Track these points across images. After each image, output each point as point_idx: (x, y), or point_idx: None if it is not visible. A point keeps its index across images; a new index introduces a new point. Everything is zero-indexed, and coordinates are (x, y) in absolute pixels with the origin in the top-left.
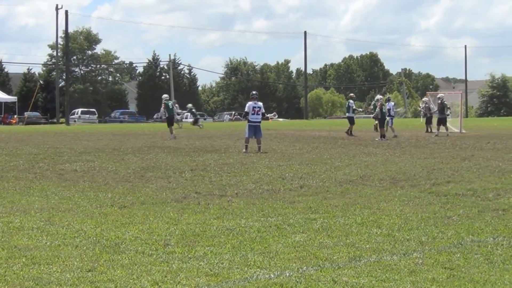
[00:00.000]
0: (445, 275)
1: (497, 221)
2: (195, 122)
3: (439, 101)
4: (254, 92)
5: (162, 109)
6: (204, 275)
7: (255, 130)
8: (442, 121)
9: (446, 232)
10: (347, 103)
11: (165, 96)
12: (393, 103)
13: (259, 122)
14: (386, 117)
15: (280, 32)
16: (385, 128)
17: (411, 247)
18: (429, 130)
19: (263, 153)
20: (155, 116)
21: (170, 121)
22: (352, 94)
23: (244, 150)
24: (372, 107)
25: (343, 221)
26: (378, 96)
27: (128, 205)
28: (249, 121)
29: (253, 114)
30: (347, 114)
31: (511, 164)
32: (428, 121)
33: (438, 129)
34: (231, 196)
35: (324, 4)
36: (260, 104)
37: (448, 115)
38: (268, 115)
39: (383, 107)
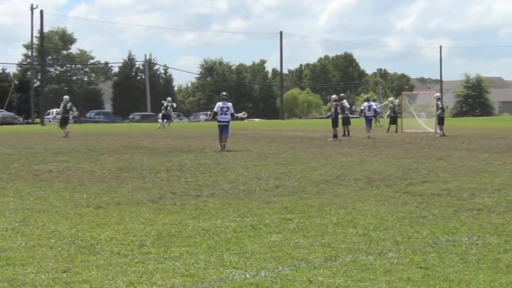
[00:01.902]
0: (420, 275)
1: (472, 221)
2: (167, 118)
3: (437, 101)
4: (224, 93)
5: (61, 108)
6: (180, 276)
7: (222, 129)
8: (441, 120)
9: (421, 232)
10: (340, 103)
11: (65, 97)
12: (373, 103)
13: (227, 122)
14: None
15: (257, 32)
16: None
17: (386, 246)
18: (396, 130)
19: (233, 151)
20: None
21: (64, 121)
22: (343, 94)
23: (219, 148)
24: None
25: (318, 221)
26: (334, 96)
27: (103, 206)
28: (218, 121)
29: (221, 114)
30: (340, 115)
31: (486, 164)
32: (392, 121)
33: (441, 129)
34: (207, 197)
35: (301, 4)
36: (229, 104)
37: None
38: (238, 114)
39: (338, 107)
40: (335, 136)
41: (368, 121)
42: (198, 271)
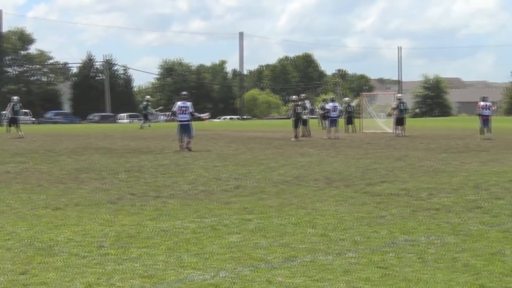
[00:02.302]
0: (379, 274)
1: (430, 220)
2: (147, 118)
3: (398, 101)
4: (183, 93)
5: (9, 109)
6: (139, 277)
7: (183, 129)
8: (400, 121)
9: (379, 232)
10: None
11: (14, 97)
12: (337, 104)
13: (187, 121)
14: (303, 116)
15: (217, 33)
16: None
17: (345, 246)
18: (353, 130)
19: (193, 152)
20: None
21: (12, 121)
22: (303, 95)
23: (179, 148)
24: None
25: (278, 222)
26: (293, 97)
27: (62, 207)
28: (178, 121)
29: (180, 113)
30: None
31: (444, 164)
32: (348, 122)
33: (396, 129)
34: (166, 197)
35: (261, 5)
36: (188, 104)
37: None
38: (202, 115)
39: (296, 107)
40: (295, 136)
41: (332, 121)
42: (157, 272)
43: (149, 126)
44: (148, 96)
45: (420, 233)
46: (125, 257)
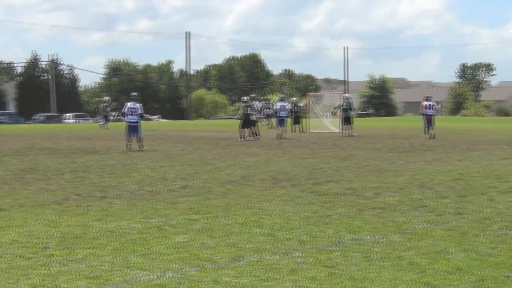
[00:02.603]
0: (325, 273)
1: (376, 219)
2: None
3: (346, 101)
4: (133, 94)
5: None
6: (85, 278)
7: (132, 130)
8: (347, 121)
9: (326, 231)
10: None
11: None
12: (286, 103)
13: (136, 122)
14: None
15: (164, 33)
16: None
17: (292, 246)
18: (300, 130)
19: (144, 152)
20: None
21: None
22: (254, 95)
23: (125, 148)
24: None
25: (225, 221)
26: (244, 98)
27: (6, 208)
28: (127, 122)
29: (129, 114)
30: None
31: (390, 163)
32: (295, 121)
33: (344, 129)
34: (112, 198)
35: (208, 5)
36: (138, 105)
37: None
38: (152, 117)
39: (247, 108)
40: (241, 137)
41: (281, 121)
42: (103, 273)
43: (105, 127)
44: (107, 97)
45: (366, 232)
46: (70, 258)
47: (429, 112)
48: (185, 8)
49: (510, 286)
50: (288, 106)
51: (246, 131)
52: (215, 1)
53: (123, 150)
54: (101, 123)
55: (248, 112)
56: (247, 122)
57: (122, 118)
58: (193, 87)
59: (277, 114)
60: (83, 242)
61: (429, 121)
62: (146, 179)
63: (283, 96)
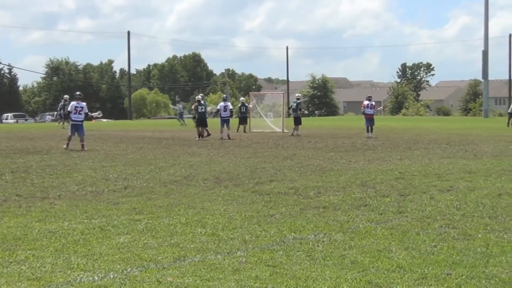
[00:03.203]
0: (268, 273)
1: (318, 219)
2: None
3: (298, 100)
4: (78, 93)
5: None
6: (26, 280)
7: (76, 128)
8: (296, 121)
9: (269, 230)
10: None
11: None
12: (228, 103)
13: (81, 121)
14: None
15: (105, 32)
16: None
17: (235, 246)
18: (244, 130)
19: (86, 152)
20: None
21: None
22: (201, 95)
23: (65, 146)
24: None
25: (167, 222)
26: (198, 96)
27: None
28: (71, 120)
29: (75, 113)
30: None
31: (331, 162)
32: (241, 121)
33: (296, 129)
34: (54, 198)
35: (150, 5)
36: (83, 104)
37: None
38: (93, 114)
39: (199, 107)
40: (199, 135)
41: (224, 121)
42: (44, 274)
43: (62, 126)
44: (66, 96)
45: (309, 231)
46: (11, 260)
47: (369, 111)
48: (127, 8)
49: (451, 283)
50: (230, 106)
51: (203, 129)
52: (156, 0)
53: (64, 149)
54: (62, 123)
55: (201, 110)
56: (202, 121)
57: (70, 117)
58: (134, 87)
59: (220, 114)
60: (24, 243)
61: (369, 120)
62: (88, 179)
63: (226, 96)
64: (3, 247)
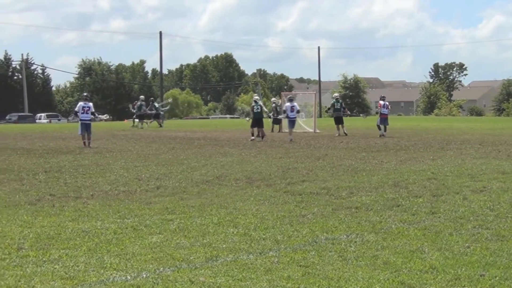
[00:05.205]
0: (300, 273)
1: (350, 219)
2: (140, 118)
3: (340, 100)
4: (85, 94)
5: None
6: (59, 279)
7: (86, 127)
8: (338, 120)
9: (301, 231)
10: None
11: None
12: (295, 104)
13: (89, 120)
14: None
15: (138, 32)
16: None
17: (267, 246)
18: (279, 130)
19: (113, 152)
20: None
21: None
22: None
23: (83, 145)
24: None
25: (199, 221)
26: (256, 96)
27: None
28: (80, 120)
29: (82, 113)
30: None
31: (363, 163)
32: (276, 121)
33: (339, 128)
34: (87, 198)
35: (183, 5)
36: (90, 104)
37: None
38: (101, 116)
39: (254, 107)
40: (254, 135)
41: (291, 122)
42: (78, 273)
43: (146, 125)
44: (142, 96)
45: (341, 232)
46: (45, 259)
47: (385, 111)
48: (160, 8)
49: (485, 285)
50: (297, 107)
51: (255, 130)
52: (190, 1)
53: (81, 147)
54: (139, 124)
55: (256, 110)
56: (257, 121)
57: (78, 116)
58: (166, 87)
59: (287, 115)
60: (58, 242)
61: (384, 119)
62: (121, 179)
63: (291, 96)
64: (37, 246)
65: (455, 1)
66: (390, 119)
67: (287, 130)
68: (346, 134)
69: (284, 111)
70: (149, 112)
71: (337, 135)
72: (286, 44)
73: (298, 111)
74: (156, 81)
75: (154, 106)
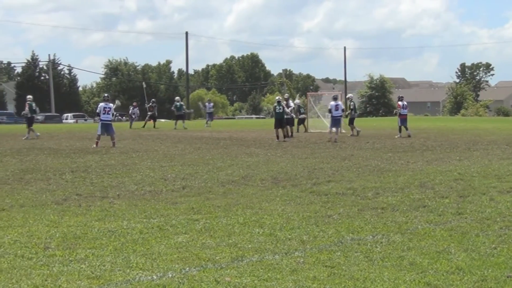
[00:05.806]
0: (326, 273)
1: (376, 219)
2: (181, 118)
3: (349, 101)
4: (106, 95)
5: (26, 109)
6: (86, 278)
7: (106, 128)
8: (351, 121)
9: (326, 231)
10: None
11: (29, 97)
12: (339, 103)
13: (110, 121)
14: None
15: (164, 33)
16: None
17: (292, 246)
18: (305, 130)
19: (139, 152)
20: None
21: (30, 121)
22: (286, 95)
23: (94, 145)
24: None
25: (225, 222)
26: (278, 97)
27: (7, 208)
28: (101, 120)
29: (104, 113)
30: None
31: (389, 163)
32: (300, 121)
33: (351, 129)
34: (113, 198)
35: (209, 5)
36: (111, 105)
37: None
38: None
39: (276, 107)
40: (279, 136)
41: (335, 121)
42: (104, 273)
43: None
44: (178, 97)
45: (367, 232)
46: (71, 258)
47: (404, 111)
48: (186, 8)
49: (511, 286)
50: (342, 105)
51: (280, 131)
52: (216, 1)
53: (93, 148)
54: (181, 123)
55: (278, 111)
56: (279, 122)
57: (99, 117)
58: (192, 87)
59: (331, 114)
60: (84, 242)
61: (404, 120)
62: (146, 179)
63: (336, 95)
64: (63, 246)
65: (482, 1)
66: (417, 119)
67: (312, 130)
68: (356, 135)
69: (329, 110)
70: (187, 111)
71: (350, 135)
72: (312, 44)
73: (343, 110)
74: (182, 81)
75: (178, 106)
